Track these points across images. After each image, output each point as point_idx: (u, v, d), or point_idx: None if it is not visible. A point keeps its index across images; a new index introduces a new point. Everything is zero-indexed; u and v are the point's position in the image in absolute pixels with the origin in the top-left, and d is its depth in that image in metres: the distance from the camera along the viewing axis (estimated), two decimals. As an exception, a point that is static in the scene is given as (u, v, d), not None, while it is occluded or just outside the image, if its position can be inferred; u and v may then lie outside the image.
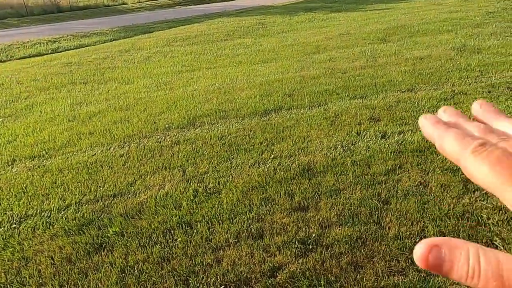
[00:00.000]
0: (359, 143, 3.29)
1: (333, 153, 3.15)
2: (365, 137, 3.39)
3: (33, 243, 2.42)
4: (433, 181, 2.63)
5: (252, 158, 3.20)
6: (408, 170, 2.81)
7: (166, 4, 23.76)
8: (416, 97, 4.18)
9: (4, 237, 2.49)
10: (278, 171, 2.96)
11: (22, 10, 20.87)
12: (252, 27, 10.84)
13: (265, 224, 2.37)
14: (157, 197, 2.76)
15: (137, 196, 2.81)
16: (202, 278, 2.02)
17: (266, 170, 2.99)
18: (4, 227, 2.61)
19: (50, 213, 2.72)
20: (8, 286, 2.08)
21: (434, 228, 2.19)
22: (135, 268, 2.12)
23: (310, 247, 2.15)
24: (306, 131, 3.61)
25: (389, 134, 3.39)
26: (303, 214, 2.43)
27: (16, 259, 2.28)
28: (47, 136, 4.11)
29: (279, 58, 6.75)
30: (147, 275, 2.07)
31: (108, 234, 2.41)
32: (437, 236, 2.11)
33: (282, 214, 2.44)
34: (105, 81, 6.31)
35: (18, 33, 13.58)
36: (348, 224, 2.29)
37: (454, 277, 0.24)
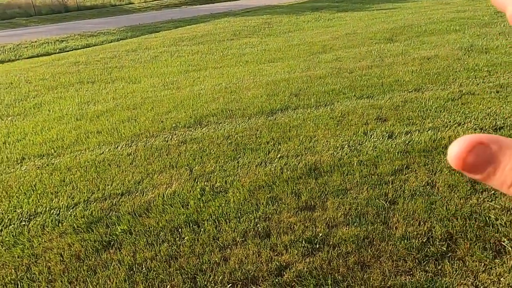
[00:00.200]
0: (366, 143, 3.28)
1: (340, 153, 3.15)
2: (372, 137, 3.39)
3: (43, 240, 2.45)
4: (440, 181, 2.63)
5: (259, 157, 3.21)
6: (415, 170, 2.80)
7: (172, 4, 23.84)
8: (423, 97, 4.17)
9: (14, 234, 2.52)
10: (285, 170, 2.96)
11: (30, 9, 21.05)
12: (259, 27, 10.84)
13: (272, 223, 2.38)
14: (165, 196, 2.78)
15: (144, 195, 2.84)
16: (210, 276, 2.03)
17: (272, 169, 3.00)
18: (14, 224, 2.64)
19: (59, 211, 2.75)
20: (19, 282, 2.11)
21: (442, 228, 2.18)
22: (143, 266, 2.14)
23: (317, 246, 2.16)
24: (313, 130, 3.62)
25: (396, 134, 3.39)
26: (310, 213, 2.44)
27: (26, 256, 2.31)
28: (55, 134, 4.15)
29: (286, 58, 6.76)
30: (155, 272, 2.09)
31: (116, 232, 2.43)
32: (444, 236, 2.11)
33: (289, 214, 2.45)
34: (112, 80, 6.35)
35: (26, 33, 13.70)
36: (355, 224, 2.29)
37: (496, 181, 0.21)
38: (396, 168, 2.85)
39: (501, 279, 1.86)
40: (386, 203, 2.46)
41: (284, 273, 2.01)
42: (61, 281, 2.09)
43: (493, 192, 2.46)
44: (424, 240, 2.12)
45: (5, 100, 5.64)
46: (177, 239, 2.33)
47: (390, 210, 2.39)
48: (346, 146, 3.27)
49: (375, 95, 4.38)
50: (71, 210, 2.75)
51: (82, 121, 4.48)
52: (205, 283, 2.00)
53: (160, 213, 2.58)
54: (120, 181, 3.06)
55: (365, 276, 1.95)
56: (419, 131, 3.40)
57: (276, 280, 1.96)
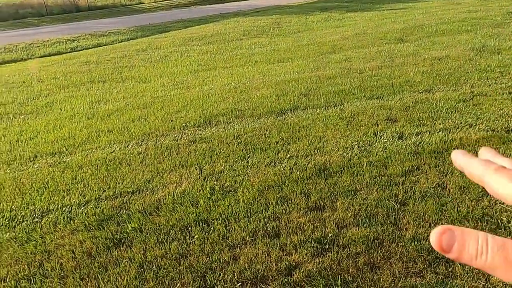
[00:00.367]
0: (376, 144, 3.27)
1: (350, 154, 3.14)
2: (382, 137, 3.37)
3: (55, 237, 2.48)
4: (451, 183, 2.61)
5: (268, 157, 3.22)
6: (426, 172, 2.78)
7: (182, 4, 23.95)
8: (434, 98, 4.13)
9: (27, 230, 2.56)
10: (294, 170, 2.96)
11: (42, 9, 21.31)
12: (268, 27, 10.85)
13: (281, 223, 2.38)
14: (175, 195, 2.80)
15: (155, 193, 2.86)
16: (219, 275, 2.04)
17: (282, 169, 3.00)
18: (27, 221, 2.68)
19: (71, 208, 2.78)
20: (32, 278, 2.14)
21: (453, 230, 2.16)
22: (154, 264, 2.16)
23: (327, 246, 2.16)
24: (322, 131, 3.61)
25: (406, 135, 3.37)
26: (320, 213, 2.44)
27: (38, 252, 2.34)
28: (67, 133, 4.20)
29: (295, 58, 6.75)
30: (165, 270, 2.10)
31: (127, 230, 2.46)
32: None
33: (298, 214, 2.45)
34: (122, 79, 6.41)
35: (38, 32, 13.88)
36: (365, 225, 2.29)
37: (465, 258, 0.27)
38: (407, 169, 2.83)
39: (513, 282, 1.84)
40: (396, 204, 2.45)
41: (294, 273, 2.01)
42: (73, 278, 2.11)
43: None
44: (435, 242, 2.10)
45: (17, 98, 5.72)
46: (187, 237, 2.35)
47: (400, 211, 2.38)
48: (356, 146, 3.26)
49: (385, 96, 4.36)
50: (82, 208, 2.78)
51: (93, 120, 4.53)
52: (215, 281, 2.01)
53: (170, 212, 2.60)
54: (131, 180, 3.09)
55: (375, 277, 1.94)
56: (429, 132, 3.38)
57: (286, 279, 1.97)
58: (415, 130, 3.45)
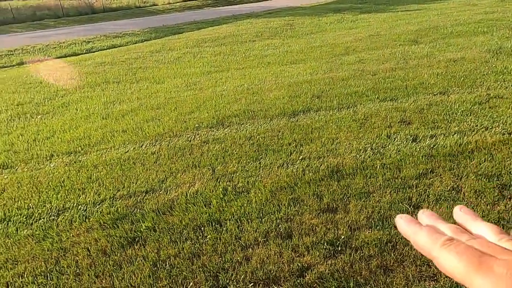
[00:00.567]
0: (389, 146, 3.25)
1: (363, 156, 3.13)
2: (396, 140, 3.35)
3: (70, 234, 2.53)
4: (466, 187, 2.58)
5: (281, 158, 3.22)
6: (440, 175, 2.75)
7: (195, 6, 24.13)
8: (449, 100, 4.09)
9: (44, 228, 2.62)
10: (307, 172, 2.96)
11: (58, 11, 21.70)
12: (281, 28, 10.86)
13: (293, 224, 2.39)
14: (188, 195, 2.83)
15: (168, 193, 2.89)
16: (232, 275, 2.06)
17: (294, 171, 3.01)
18: (43, 218, 2.74)
19: (86, 207, 2.83)
20: (48, 274, 2.19)
21: (468, 234, 2.14)
22: (167, 263, 2.19)
23: (339, 248, 2.15)
24: (335, 133, 3.60)
25: (420, 138, 3.34)
26: (332, 215, 2.44)
27: (55, 249, 2.39)
28: (82, 133, 4.27)
29: (308, 59, 6.74)
30: (178, 269, 2.13)
31: (141, 229, 2.49)
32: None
33: (310, 215, 2.45)
34: (137, 80, 6.49)
35: (55, 34, 14.14)
36: (378, 227, 2.28)
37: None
38: (420, 172, 2.80)
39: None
40: (410, 207, 2.43)
41: (306, 274, 2.01)
42: (88, 275, 2.15)
43: (522, 198, 2.40)
44: (449, 246, 2.08)
45: (35, 98, 5.84)
46: (199, 237, 2.37)
47: (414, 215, 2.36)
48: (369, 148, 3.24)
49: (399, 98, 4.32)
50: (97, 206, 2.83)
51: (108, 120, 4.60)
52: (227, 281, 2.02)
53: (183, 212, 2.63)
54: (145, 179, 3.13)
55: (388, 280, 1.93)
56: (444, 135, 3.34)
57: (298, 281, 1.97)
58: (429, 132, 3.41)
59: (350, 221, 2.35)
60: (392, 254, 2.07)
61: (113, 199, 2.90)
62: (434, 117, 3.72)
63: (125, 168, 3.35)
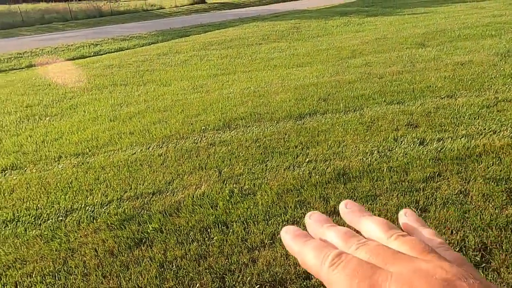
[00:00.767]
0: (396, 149, 3.24)
1: (369, 159, 3.12)
2: (403, 143, 3.34)
3: (78, 235, 2.55)
4: (474, 190, 2.56)
5: (287, 161, 3.23)
6: (448, 178, 2.74)
7: (201, 9, 24.27)
8: (457, 104, 4.07)
9: (52, 228, 2.64)
10: (313, 174, 2.96)
11: (67, 14, 21.93)
12: (287, 31, 10.88)
13: (300, 227, 2.37)
14: (194, 196, 2.84)
15: (175, 195, 2.91)
16: (238, 276, 2.06)
17: (301, 173, 3.01)
18: (52, 219, 2.76)
19: (94, 208, 2.85)
20: (56, 274, 2.21)
21: (475, 238, 2.13)
22: (174, 264, 2.20)
23: (346, 251, 2.15)
24: (342, 135, 3.60)
25: (427, 141, 3.32)
26: (338, 218, 2.42)
27: (63, 250, 2.41)
28: (90, 134, 4.31)
29: (314, 62, 6.75)
30: (185, 271, 2.14)
31: (148, 230, 2.51)
32: (478, 247, 2.06)
33: (317, 218, 2.44)
34: (144, 83, 6.53)
35: (63, 37, 14.29)
36: (385, 230, 2.27)
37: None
38: (428, 175, 2.79)
39: (539, 292, 1.80)
40: (417, 210, 2.42)
41: (312, 277, 2.01)
42: (96, 275, 2.17)
43: (530, 202, 2.38)
44: (457, 250, 2.07)
45: (43, 101, 5.90)
46: (206, 239, 2.38)
47: (421, 218, 2.35)
48: (375, 152, 3.23)
49: (406, 101, 4.31)
50: (105, 208, 2.85)
51: (116, 122, 4.64)
52: (234, 283, 2.03)
53: (189, 213, 2.64)
54: (152, 181, 3.14)
55: (394, 283, 1.92)
56: (451, 138, 3.32)
57: (304, 283, 1.97)
58: (436, 136, 3.40)
59: (356, 224, 2.35)
60: (399, 258, 2.06)
61: (120, 201, 2.92)
62: (441, 120, 3.70)
63: (132, 170, 3.37)
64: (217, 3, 27.42)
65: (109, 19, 21.17)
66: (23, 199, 3.07)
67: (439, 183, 2.69)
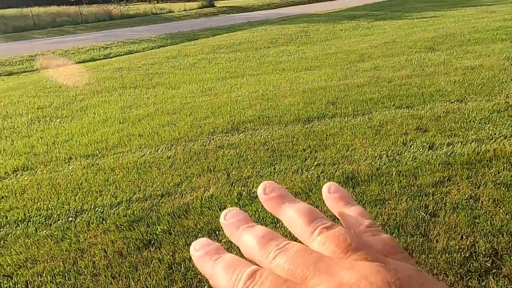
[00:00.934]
0: (405, 154, 3.22)
1: (378, 163, 3.11)
2: (412, 147, 3.32)
3: (88, 236, 2.58)
4: (484, 195, 2.54)
5: (295, 164, 3.23)
6: (458, 183, 2.72)
7: (210, 12, 24.41)
8: (467, 108, 4.04)
9: (62, 229, 2.67)
10: (322, 178, 2.96)
11: (77, 18, 22.21)
12: (295, 35, 10.89)
13: (308, 230, 2.38)
14: (203, 199, 2.85)
15: (183, 197, 2.92)
16: (246, 279, 2.06)
17: (309, 176, 3.01)
18: (62, 219, 2.80)
19: (103, 209, 2.88)
20: (66, 274, 2.23)
21: (486, 243, 2.11)
22: (182, 266, 2.21)
23: (354, 255, 2.14)
24: (350, 139, 3.59)
25: (437, 145, 3.30)
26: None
27: (73, 250, 2.44)
28: (100, 136, 4.35)
29: (323, 66, 6.75)
30: (193, 273, 2.14)
31: (157, 232, 2.52)
32: (489, 252, 2.04)
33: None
34: (153, 85, 6.59)
35: (74, 40, 14.47)
36: (394, 235, 2.26)
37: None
38: (437, 180, 2.77)
39: (551, 300, 1.78)
40: (426, 215, 2.41)
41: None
42: (105, 276, 2.19)
43: (542, 208, 2.35)
44: (467, 255, 2.05)
45: (54, 103, 5.98)
46: (214, 241, 2.38)
47: (430, 223, 2.34)
48: (384, 156, 3.22)
49: (415, 105, 4.29)
50: (114, 209, 2.87)
51: (125, 124, 4.68)
52: (242, 285, 2.03)
53: (198, 215, 2.65)
54: (160, 183, 3.16)
55: (403, 288, 1.91)
56: (461, 143, 3.30)
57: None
58: (446, 140, 3.38)
59: (365, 228, 2.34)
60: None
61: (129, 202, 2.94)
62: (451, 125, 3.68)
63: (141, 172, 3.40)
64: (225, 6, 27.58)
65: (119, 22, 21.40)
66: (34, 200, 3.11)
67: (448, 188, 2.67)
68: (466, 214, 2.37)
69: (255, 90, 5.60)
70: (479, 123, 3.66)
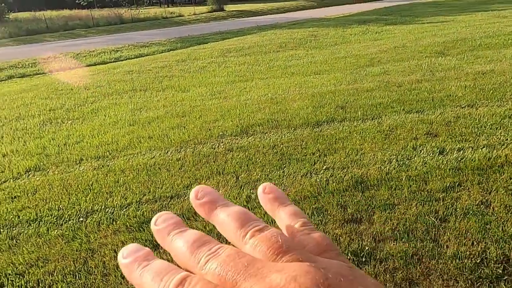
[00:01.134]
0: (415, 158, 3.21)
1: (388, 167, 3.10)
2: (422, 152, 3.30)
3: (98, 236, 2.60)
4: (496, 201, 2.51)
5: (304, 168, 3.23)
6: (468, 188, 2.69)
7: (220, 16, 24.55)
8: (478, 113, 4.00)
9: (73, 229, 2.70)
10: (331, 182, 2.96)
11: (89, 21, 22.50)
12: (305, 39, 10.91)
13: (317, 234, 2.38)
14: (212, 201, 2.86)
15: (192, 199, 2.93)
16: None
17: (318, 180, 3.00)
18: (73, 220, 2.83)
19: (113, 210, 2.91)
20: (77, 273, 2.26)
21: (497, 250, 2.09)
22: (191, 267, 2.22)
23: (363, 259, 2.13)
24: (359, 143, 3.58)
25: (447, 150, 3.28)
26: (356, 226, 2.42)
27: (83, 250, 2.47)
28: (110, 138, 4.40)
29: (332, 70, 6.74)
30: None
31: (166, 233, 2.53)
32: (500, 259, 2.02)
33: (334, 225, 2.44)
34: (163, 88, 6.64)
35: (85, 43, 14.66)
36: (403, 240, 2.25)
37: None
38: (448, 185, 2.75)
39: None
40: (436, 220, 2.39)
41: None
42: (115, 276, 2.21)
43: (555, 215, 2.32)
44: (478, 261, 2.03)
45: (65, 104, 6.06)
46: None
47: (440, 228, 2.32)
48: (394, 160, 3.21)
49: (425, 110, 4.27)
50: (124, 210, 2.90)
51: (135, 127, 4.72)
52: (250, 288, 2.03)
53: (207, 217, 2.66)
54: (170, 185, 3.19)
55: (413, 293, 1.90)
56: (472, 148, 3.27)
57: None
58: (456, 145, 3.35)
59: (374, 233, 2.33)
60: (418, 267, 2.04)
61: (139, 203, 2.97)
62: (461, 130, 3.65)
63: (151, 174, 3.43)
64: (235, 11, 27.72)
65: (129, 26, 21.64)
66: (45, 200, 3.15)
67: (459, 193, 2.65)
68: (477, 220, 2.35)
69: (264, 93, 5.62)
70: (490, 128, 3.63)
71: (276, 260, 0.24)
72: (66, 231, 2.69)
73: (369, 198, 2.69)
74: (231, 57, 9.16)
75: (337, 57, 7.90)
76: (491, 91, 4.64)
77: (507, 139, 3.37)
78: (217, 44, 11.84)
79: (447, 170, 2.95)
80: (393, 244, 2.22)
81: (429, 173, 2.93)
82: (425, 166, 3.06)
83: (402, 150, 3.37)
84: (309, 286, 0.21)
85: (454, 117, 3.98)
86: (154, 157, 3.78)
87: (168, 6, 39.50)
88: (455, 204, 2.53)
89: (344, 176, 3.02)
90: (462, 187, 2.72)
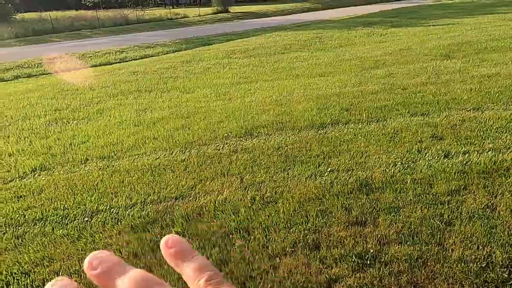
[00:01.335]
0: (420, 161, 3.20)
1: (392, 170, 3.09)
2: (427, 155, 3.29)
3: (103, 236, 2.62)
4: (501, 205, 2.50)
5: (309, 170, 3.23)
6: (474, 192, 2.68)
7: (225, 18, 24.60)
8: (483, 117, 3.99)
9: (78, 228, 2.72)
10: (335, 184, 2.96)
11: (95, 22, 22.62)
12: (309, 41, 10.91)
13: (321, 236, 2.38)
14: (216, 202, 2.87)
15: (197, 200, 2.95)
16: (259, 283, 2.07)
17: (323, 182, 3.00)
18: (78, 219, 2.84)
19: (118, 210, 2.92)
20: (82, 273, 2.27)
21: (503, 254, 2.08)
22: (195, 268, 2.22)
23: (368, 262, 2.13)
24: (364, 146, 3.58)
25: (453, 154, 3.27)
26: (361, 228, 2.41)
27: (88, 250, 2.47)
28: (115, 139, 4.42)
29: (336, 72, 6.74)
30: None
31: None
32: (506, 263, 2.01)
33: (339, 227, 2.44)
34: (167, 89, 6.66)
35: (91, 43, 14.73)
36: (408, 243, 2.24)
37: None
38: (453, 188, 2.74)
39: None
40: (441, 223, 2.38)
41: (334, 286, 2.00)
42: (120, 276, 2.21)
43: (561, 220, 2.30)
44: (483, 265, 2.03)
45: (71, 105, 6.09)
46: (227, 244, 2.40)
47: (446, 231, 2.31)
48: (399, 163, 3.20)
49: (430, 113, 4.25)
50: (129, 210, 2.91)
51: (140, 127, 4.74)
52: (255, 289, 2.03)
53: (211, 219, 2.67)
54: (174, 186, 3.20)
55: (418, 296, 1.89)
56: (478, 152, 3.26)
57: (325, 292, 1.96)
58: (462, 149, 3.34)
59: (379, 235, 2.33)
60: (423, 271, 2.03)
61: (144, 204, 2.98)
62: (467, 133, 3.64)
63: (156, 174, 3.44)
64: (240, 12, 27.77)
65: (135, 27, 21.73)
66: (51, 199, 3.17)
67: (464, 196, 2.64)
68: (482, 224, 2.34)
69: (269, 95, 5.63)
70: (496, 132, 3.62)
71: None
72: (71, 230, 2.71)
73: (374, 201, 2.68)
74: (236, 58, 9.18)
75: (342, 59, 7.90)
76: (497, 94, 4.62)
77: (513, 143, 3.35)
78: (222, 45, 11.86)
79: (453, 173, 2.94)
80: (398, 247, 2.22)
81: (434, 176, 2.92)
82: (430, 169, 3.05)
83: (407, 153, 3.36)
84: None
85: (459, 120, 3.97)
86: (158, 157, 3.80)
87: (173, 7, 39.64)
88: (460, 207, 2.52)
89: (349, 179, 3.02)
90: (468, 191, 2.71)
